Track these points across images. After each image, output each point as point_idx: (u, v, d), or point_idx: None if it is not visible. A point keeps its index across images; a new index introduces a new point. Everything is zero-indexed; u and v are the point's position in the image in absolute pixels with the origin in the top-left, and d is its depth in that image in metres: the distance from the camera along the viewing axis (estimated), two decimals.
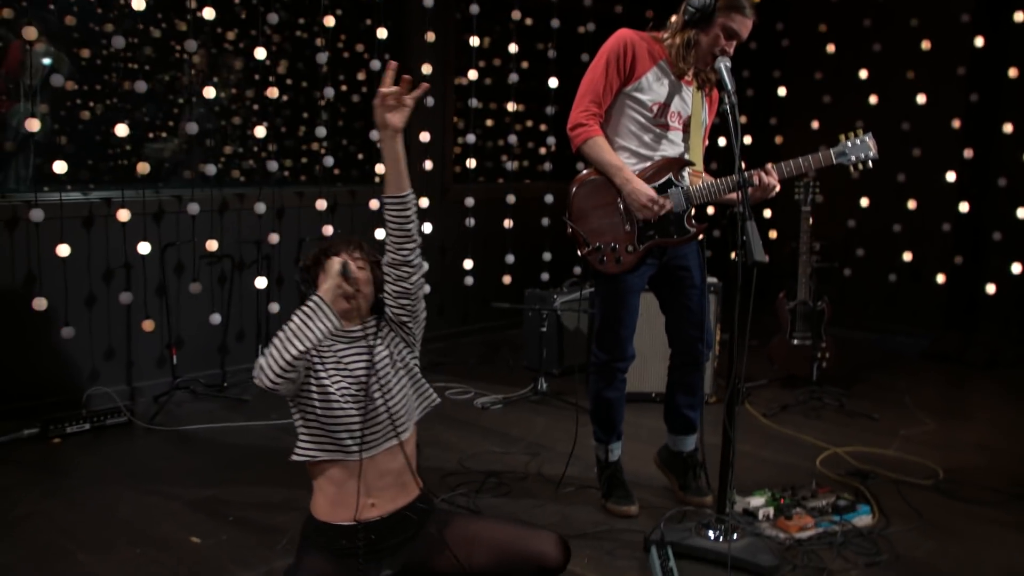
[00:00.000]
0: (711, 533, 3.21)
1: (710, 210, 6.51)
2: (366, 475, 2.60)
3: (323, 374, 2.58)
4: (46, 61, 4.72)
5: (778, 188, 3.37)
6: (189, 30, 4.90)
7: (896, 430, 4.70)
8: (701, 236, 3.51)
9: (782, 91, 7.40)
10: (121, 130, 4.63)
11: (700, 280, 3.58)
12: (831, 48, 6.96)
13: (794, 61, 7.34)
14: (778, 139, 7.20)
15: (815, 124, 7.08)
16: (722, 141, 6.14)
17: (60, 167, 4.49)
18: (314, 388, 2.56)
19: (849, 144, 3.40)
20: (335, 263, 2.57)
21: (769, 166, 3.36)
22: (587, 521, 3.53)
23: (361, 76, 5.98)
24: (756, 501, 3.54)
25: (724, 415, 3.24)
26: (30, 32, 4.23)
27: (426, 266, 2.60)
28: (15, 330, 4.49)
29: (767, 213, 7.35)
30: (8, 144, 4.76)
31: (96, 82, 5.08)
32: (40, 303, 4.38)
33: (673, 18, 3.41)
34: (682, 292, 3.58)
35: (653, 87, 3.40)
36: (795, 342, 5.32)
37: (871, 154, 3.38)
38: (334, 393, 2.57)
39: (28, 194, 4.56)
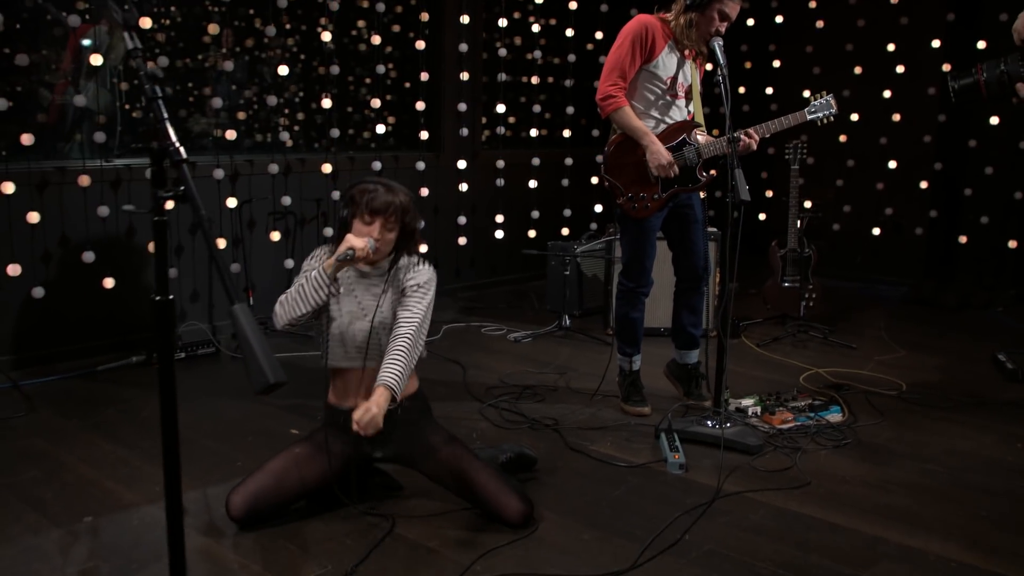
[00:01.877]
0: (709, 423, 4.02)
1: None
2: (362, 379, 3.26)
3: (338, 305, 3.25)
4: (86, 43, 5.46)
5: (754, 146, 4.10)
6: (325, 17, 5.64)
7: (871, 356, 5.47)
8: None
9: (776, 63, 8.14)
10: (217, 102, 5.51)
11: (701, 217, 4.37)
12: (820, 23, 7.68)
13: (787, 35, 8.07)
14: (773, 106, 7.93)
15: (806, 92, 7.76)
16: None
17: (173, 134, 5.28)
18: (332, 311, 3.25)
19: (817, 104, 4.18)
20: (342, 247, 3.09)
21: (750, 129, 4.13)
22: (609, 419, 4.34)
23: (408, 50, 6.76)
24: (746, 401, 4.35)
25: (718, 321, 4.01)
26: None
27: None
28: (123, 274, 5.28)
29: (763, 175, 8.12)
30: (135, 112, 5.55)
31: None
32: (151, 247, 5.21)
33: (675, 4, 4.17)
34: (688, 228, 4.36)
35: (666, 63, 4.18)
36: (786, 284, 6.09)
37: (832, 111, 4.17)
38: (343, 317, 3.24)
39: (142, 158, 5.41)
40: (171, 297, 1.89)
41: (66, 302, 5.10)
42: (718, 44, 4.03)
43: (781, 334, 5.88)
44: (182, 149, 1.73)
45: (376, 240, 3.16)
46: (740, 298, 6.70)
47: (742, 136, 4.07)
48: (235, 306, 1.71)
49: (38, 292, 4.88)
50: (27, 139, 4.75)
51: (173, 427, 1.92)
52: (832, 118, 4.18)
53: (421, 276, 3.28)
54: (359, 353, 3.25)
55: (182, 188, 1.76)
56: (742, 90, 8.12)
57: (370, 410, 3.04)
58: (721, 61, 3.96)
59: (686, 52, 4.22)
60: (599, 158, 4.46)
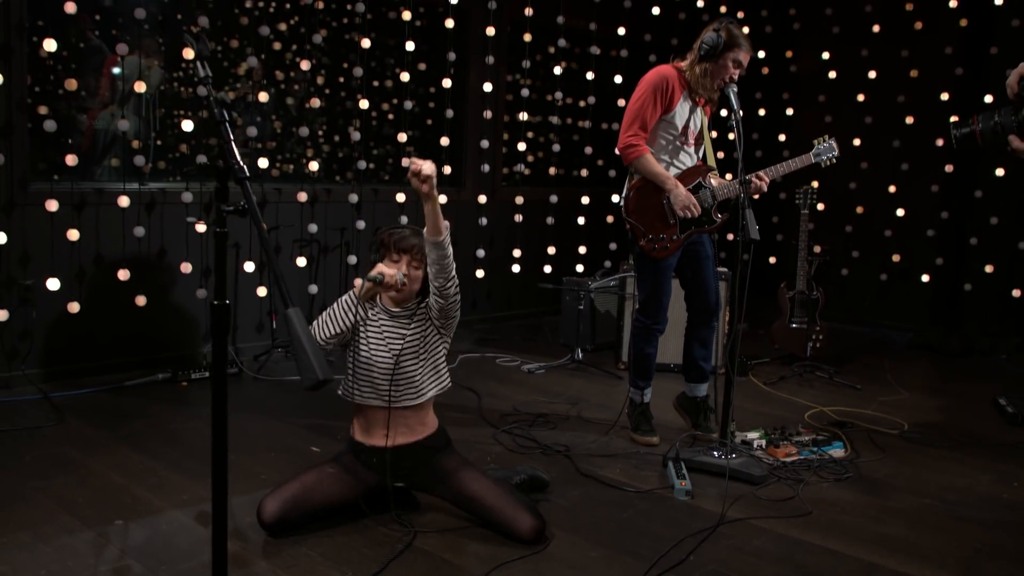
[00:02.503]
0: (715, 453, 4.16)
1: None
2: (387, 418, 3.42)
3: (365, 337, 3.41)
4: (116, 71, 5.71)
5: (764, 188, 4.34)
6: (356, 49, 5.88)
7: (875, 397, 5.61)
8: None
9: (789, 111, 8.37)
10: (251, 131, 5.75)
11: (712, 255, 4.56)
12: (832, 74, 7.88)
13: (801, 85, 8.29)
14: (785, 153, 8.12)
15: (821, 97, 7.99)
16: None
17: (201, 158, 5.53)
18: (361, 344, 3.40)
19: (821, 147, 4.42)
20: (380, 269, 3.31)
21: (760, 172, 4.33)
22: (619, 447, 4.50)
23: (432, 90, 6.99)
24: (752, 435, 4.49)
25: (726, 357, 4.18)
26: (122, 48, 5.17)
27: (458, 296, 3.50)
28: (151, 294, 5.47)
29: (774, 219, 8.30)
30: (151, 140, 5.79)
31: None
32: (186, 267, 5.43)
33: (689, 54, 4.39)
34: (700, 265, 4.55)
35: (682, 113, 4.40)
36: (793, 325, 6.25)
37: (834, 153, 4.44)
38: (371, 354, 3.38)
39: (180, 184, 5.62)
40: (228, 302, 2.07)
41: (97, 320, 5.30)
42: (732, 91, 4.24)
43: (788, 373, 6.03)
44: (246, 168, 1.92)
45: (404, 275, 3.35)
46: (749, 338, 6.86)
47: (753, 179, 4.26)
48: (289, 310, 1.89)
49: (74, 307, 5.07)
50: (71, 160, 4.96)
51: (223, 431, 2.10)
52: (835, 160, 4.41)
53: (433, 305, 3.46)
54: (383, 388, 3.40)
55: (244, 204, 1.95)
56: (756, 136, 8.34)
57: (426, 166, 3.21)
58: (735, 107, 4.17)
59: (698, 99, 4.42)
60: (615, 198, 4.67)
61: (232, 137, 1.97)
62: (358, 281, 3.32)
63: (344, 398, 3.49)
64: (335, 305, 3.44)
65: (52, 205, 4.95)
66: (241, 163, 1.93)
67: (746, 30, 4.35)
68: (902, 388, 5.87)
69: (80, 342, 5.28)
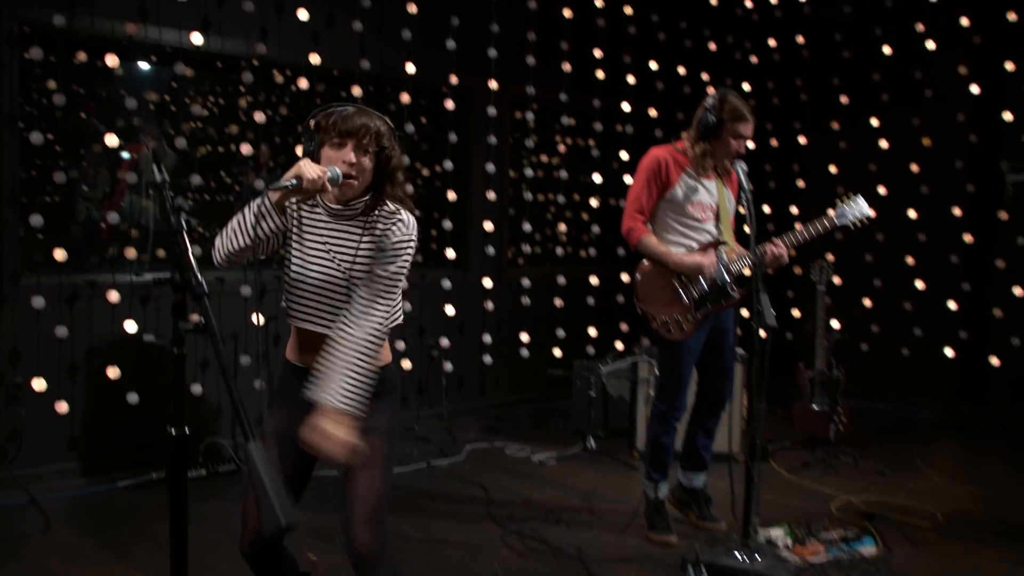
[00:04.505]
0: (738, 555, 3.89)
1: None
2: (318, 339, 2.66)
3: (300, 246, 2.68)
4: (131, 178, 5.59)
5: (784, 256, 4.15)
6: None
7: (904, 484, 5.33)
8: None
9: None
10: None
11: (733, 344, 4.36)
12: (843, 144, 7.74)
13: (811, 155, 8.15)
14: (798, 225, 7.92)
15: (833, 169, 7.77)
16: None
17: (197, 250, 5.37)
18: (294, 253, 2.69)
19: (846, 207, 4.20)
20: (302, 170, 2.53)
21: (776, 239, 4.15)
22: (634, 547, 4.24)
23: (426, 173, 6.87)
24: (776, 532, 4.22)
25: (746, 450, 3.93)
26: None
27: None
28: (149, 387, 5.27)
29: (790, 293, 8.08)
30: (133, 231, 5.66)
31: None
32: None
33: (686, 133, 4.24)
34: (720, 353, 4.35)
35: (684, 191, 4.22)
36: (814, 407, 5.99)
37: (866, 212, 4.18)
38: (309, 268, 2.66)
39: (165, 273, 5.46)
40: (186, 431, 1.87)
41: (89, 415, 5.10)
42: (741, 168, 4.06)
43: (810, 459, 5.75)
44: (204, 282, 1.73)
45: (349, 166, 2.60)
46: (766, 419, 6.56)
47: (768, 247, 4.07)
48: (250, 444, 1.68)
49: (62, 407, 4.88)
50: (60, 255, 4.82)
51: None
52: (866, 220, 4.18)
53: (400, 231, 2.64)
54: (326, 310, 2.67)
55: (203, 322, 1.75)
56: (768, 209, 8.15)
57: (324, 437, 2.49)
58: (745, 185, 3.99)
59: (707, 175, 4.25)
60: (625, 277, 4.48)
61: (189, 247, 1.79)
62: (303, 171, 2.54)
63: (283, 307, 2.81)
64: (245, 210, 2.62)
65: (38, 302, 4.81)
66: (200, 277, 1.74)
67: (752, 103, 4.19)
68: (932, 472, 5.58)
69: (72, 440, 5.07)
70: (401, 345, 6.22)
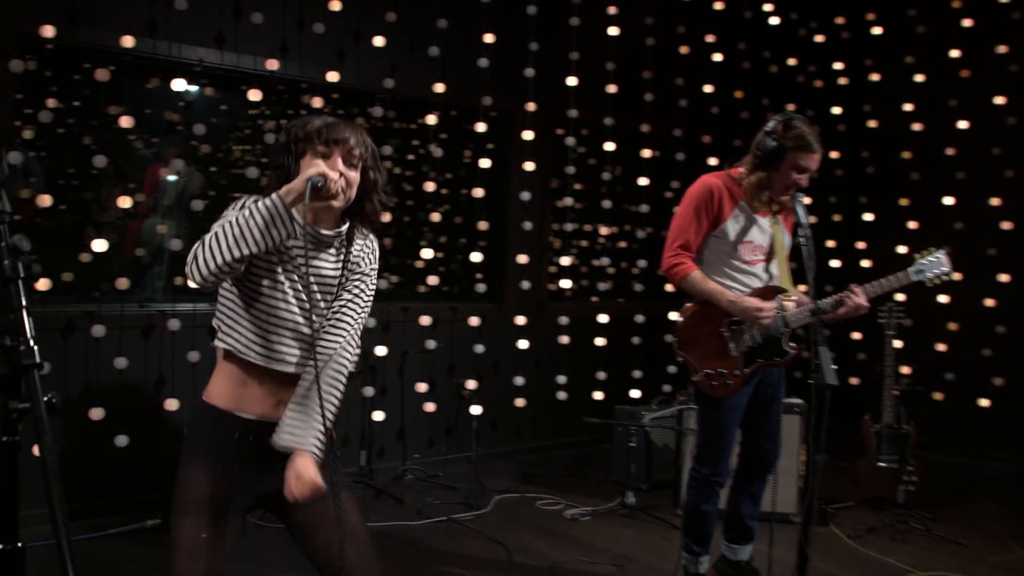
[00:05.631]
0: None
1: None
2: (283, 380, 2.35)
3: (268, 272, 2.30)
4: (171, 178, 5.25)
5: (866, 306, 3.61)
6: None
7: (985, 557, 4.70)
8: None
9: (870, 170, 7.58)
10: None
11: (781, 398, 3.81)
12: (916, 176, 7.13)
13: (881, 141, 7.52)
14: (865, 263, 7.33)
15: (904, 201, 7.17)
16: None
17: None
18: (264, 281, 2.30)
19: (924, 262, 3.65)
20: (311, 171, 2.19)
21: (855, 287, 3.60)
22: None
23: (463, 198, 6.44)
24: None
25: (800, 532, 3.38)
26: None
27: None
28: (144, 429, 4.88)
29: (855, 335, 7.45)
30: (145, 256, 5.29)
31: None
32: (171, 404, 4.82)
33: (746, 159, 3.71)
34: (766, 410, 3.80)
35: (736, 226, 3.68)
36: (881, 464, 5.39)
37: (946, 269, 3.63)
38: (281, 291, 2.30)
39: (165, 304, 5.07)
40: (20, 544, 1.42)
41: (81, 457, 4.71)
42: (800, 203, 3.53)
43: (876, 524, 5.14)
44: (36, 350, 1.28)
45: (339, 176, 2.28)
46: (828, 473, 6.00)
47: (849, 296, 3.57)
48: None
49: (35, 449, 4.49)
50: (44, 284, 4.50)
51: None
52: (945, 277, 3.64)
53: (374, 257, 2.48)
54: (304, 349, 2.34)
55: (27, 405, 1.29)
56: (831, 244, 7.55)
57: (304, 482, 2.25)
58: (803, 221, 3.45)
59: (761, 211, 3.72)
60: (673, 315, 3.94)
61: (24, 303, 1.34)
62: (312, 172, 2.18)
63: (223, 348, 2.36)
64: (240, 217, 2.15)
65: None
66: (31, 343, 1.29)
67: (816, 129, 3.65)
68: (1015, 543, 4.94)
69: (62, 483, 4.67)
70: (422, 387, 5.77)
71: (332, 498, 2.35)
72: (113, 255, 5.07)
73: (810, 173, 3.61)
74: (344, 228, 2.37)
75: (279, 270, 2.29)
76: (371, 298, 2.49)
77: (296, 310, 2.31)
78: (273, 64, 5.18)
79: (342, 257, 2.39)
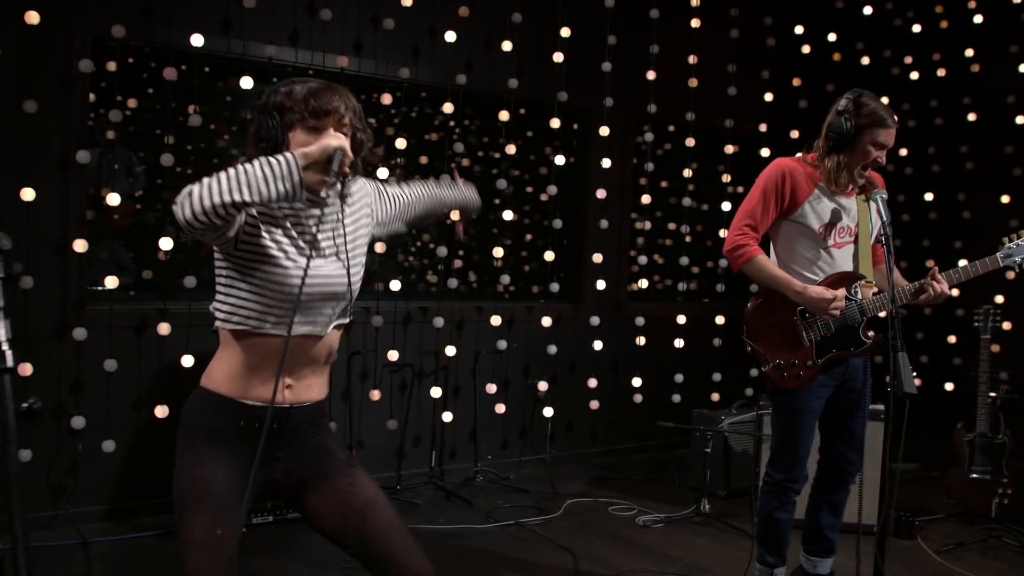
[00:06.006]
0: None
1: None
2: (294, 356, 2.27)
3: (278, 232, 2.22)
4: None
5: (948, 293, 3.43)
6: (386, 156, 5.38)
7: None
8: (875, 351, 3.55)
9: (969, 165, 7.15)
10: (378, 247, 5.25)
11: (865, 404, 3.60)
12: (1018, 171, 6.74)
13: (982, 134, 7.08)
14: (962, 262, 6.94)
15: (1006, 198, 6.75)
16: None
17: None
18: (269, 246, 2.20)
19: (1013, 245, 3.43)
20: (332, 143, 2.12)
21: (937, 273, 3.40)
22: None
23: (543, 198, 6.33)
24: None
25: (876, 546, 3.18)
26: None
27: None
28: None
29: (951, 339, 7.09)
30: None
31: None
32: None
33: (818, 143, 3.53)
34: (849, 416, 3.60)
35: (816, 210, 3.50)
36: (973, 476, 5.10)
37: None
38: (288, 255, 2.22)
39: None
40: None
41: (154, 452, 4.76)
42: (880, 198, 3.32)
43: (967, 538, 4.86)
44: (9, 354, 1.22)
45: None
46: (917, 483, 5.72)
47: (930, 281, 3.39)
48: None
49: (109, 445, 4.58)
50: (112, 282, 4.58)
51: None
52: None
53: (368, 187, 2.49)
54: (320, 313, 2.29)
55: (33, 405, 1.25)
56: (927, 243, 7.19)
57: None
58: (884, 217, 3.24)
59: (845, 192, 3.54)
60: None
61: (3, 304, 1.28)
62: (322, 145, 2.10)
63: (230, 329, 2.26)
64: (249, 166, 2.04)
65: (79, 334, 4.51)
66: (4, 345, 1.24)
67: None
68: None
69: (134, 477, 4.75)
70: (492, 388, 5.69)
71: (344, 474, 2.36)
72: (195, 253, 5.12)
73: (887, 148, 3.43)
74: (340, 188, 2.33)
75: (280, 235, 2.22)
76: (392, 191, 2.58)
77: (323, 273, 2.26)
78: (343, 61, 5.16)
79: (351, 205, 2.40)
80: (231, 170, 2.02)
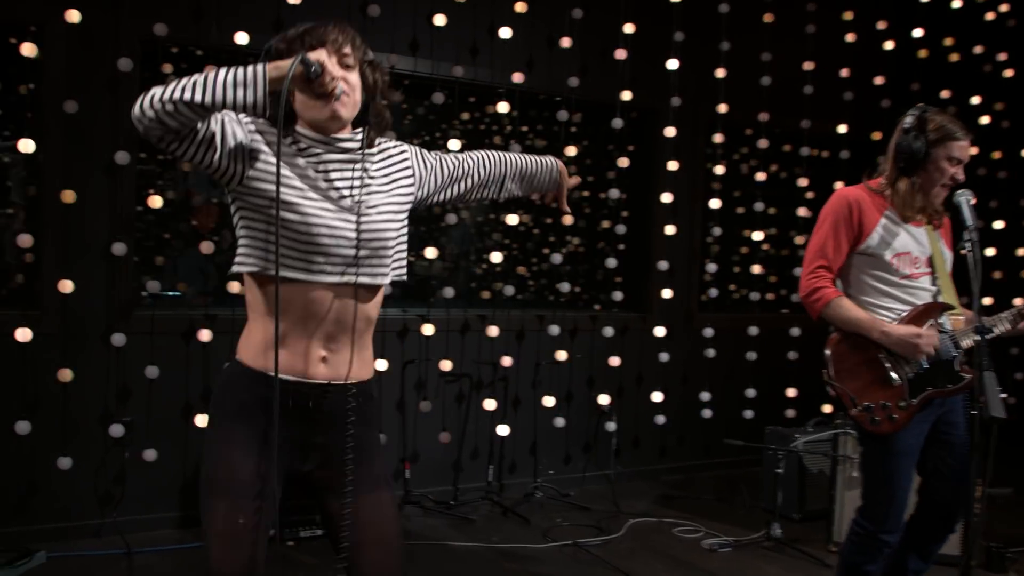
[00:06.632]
0: None
1: None
2: (321, 316, 2.10)
3: (295, 181, 2.09)
4: None
5: None
6: None
7: None
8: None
9: None
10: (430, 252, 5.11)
11: (964, 438, 3.24)
12: None
13: None
14: None
15: None
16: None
17: None
18: (292, 188, 2.06)
19: None
20: (309, 56, 1.97)
21: None
22: None
23: (605, 201, 6.09)
24: None
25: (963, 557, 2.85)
26: None
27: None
28: None
29: None
30: None
31: None
32: None
33: (884, 167, 3.27)
34: (945, 450, 3.24)
35: (886, 240, 3.20)
36: None
37: None
38: (310, 205, 2.07)
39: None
40: None
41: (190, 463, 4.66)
42: (965, 200, 3.01)
43: None
44: None
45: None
46: (1012, 509, 5.30)
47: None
48: None
49: (149, 455, 4.48)
50: (152, 286, 4.45)
51: None
52: None
53: (408, 151, 2.33)
54: (335, 255, 2.10)
55: None
56: (991, 252, 6.68)
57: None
58: (969, 222, 2.94)
59: (914, 221, 3.23)
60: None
61: None
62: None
63: (251, 272, 2.10)
64: (230, 74, 1.90)
65: (118, 339, 4.40)
66: None
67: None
68: None
69: (185, 485, 4.65)
70: (550, 401, 5.45)
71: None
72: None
73: (963, 163, 3.14)
74: (358, 134, 2.17)
75: (297, 181, 2.09)
76: (436, 155, 2.40)
77: (334, 221, 2.09)
78: (458, 70, 5.07)
79: (381, 161, 2.23)
80: (194, 77, 1.87)
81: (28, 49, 4.12)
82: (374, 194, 2.17)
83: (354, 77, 2.11)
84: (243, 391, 2.11)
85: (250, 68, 1.90)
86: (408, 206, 2.27)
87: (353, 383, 2.17)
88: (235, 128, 2.03)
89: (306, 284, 2.07)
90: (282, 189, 2.03)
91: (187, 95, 1.84)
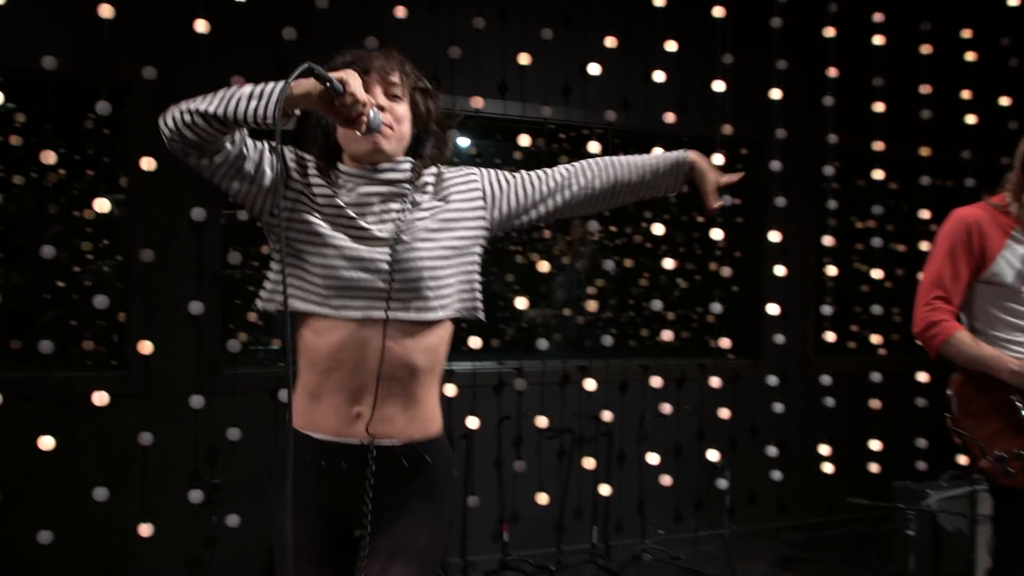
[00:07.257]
0: None
1: None
2: (355, 361, 1.93)
3: (324, 209, 1.98)
4: None
5: None
6: None
7: None
8: None
9: None
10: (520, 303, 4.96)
11: None
12: None
13: None
14: None
15: None
16: None
17: None
18: (316, 223, 1.96)
19: None
20: (351, 76, 1.84)
21: None
22: None
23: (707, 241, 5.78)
24: None
25: None
26: None
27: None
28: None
29: None
30: None
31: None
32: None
33: (1008, 181, 2.94)
34: None
35: (1013, 264, 2.85)
36: None
37: None
38: (328, 228, 1.95)
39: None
40: None
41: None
42: None
43: None
44: None
45: (382, 111, 1.95)
46: None
47: None
48: None
49: (232, 520, 4.32)
50: (234, 345, 4.36)
51: None
52: None
53: (489, 172, 2.16)
54: (358, 293, 1.94)
55: None
56: None
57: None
58: None
59: None
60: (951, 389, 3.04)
61: None
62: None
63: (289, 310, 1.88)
64: (248, 88, 1.81)
65: (196, 401, 4.26)
66: None
67: None
68: None
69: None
70: (654, 458, 5.12)
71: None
72: None
73: None
74: (403, 163, 2.02)
75: (331, 217, 1.98)
76: (517, 174, 2.20)
77: (360, 250, 1.94)
78: (478, 102, 4.86)
79: (438, 197, 2.07)
80: (220, 92, 1.82)
81: (103, 107, 4.08)
82: (421, 222, 2.00)
83: (402, 108, 2.01)
84: (293, 453, 1.98)
85: (270, 83, 1.80)
86: (477, 232, 2.10)
87: (405, 444, 1.99)
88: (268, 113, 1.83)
89: (331, 321, 1.93)
90: (309, 217, 1.95)
91: (203, 106, 1.80)
